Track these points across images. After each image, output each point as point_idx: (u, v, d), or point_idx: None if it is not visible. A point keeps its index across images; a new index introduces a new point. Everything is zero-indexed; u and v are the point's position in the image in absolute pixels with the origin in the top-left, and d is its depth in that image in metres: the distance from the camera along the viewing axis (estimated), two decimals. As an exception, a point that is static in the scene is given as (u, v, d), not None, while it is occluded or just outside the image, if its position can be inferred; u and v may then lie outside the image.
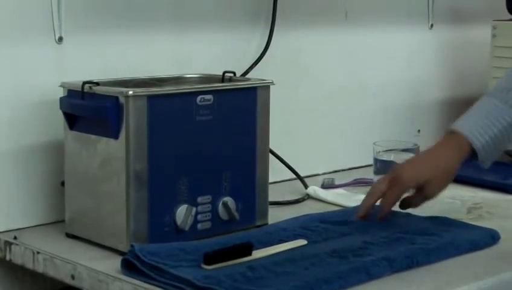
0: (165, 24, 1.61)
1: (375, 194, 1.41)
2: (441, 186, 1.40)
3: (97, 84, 1.32)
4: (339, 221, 1.44)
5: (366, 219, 1.42)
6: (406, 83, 2.08)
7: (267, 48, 1.72)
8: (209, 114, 1.35)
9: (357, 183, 1.78)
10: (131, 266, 1.20)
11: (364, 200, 1.43)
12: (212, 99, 1.35)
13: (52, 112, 1.41)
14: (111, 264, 1.25)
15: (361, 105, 1.98)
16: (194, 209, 1.34)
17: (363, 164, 1.91)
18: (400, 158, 1.66)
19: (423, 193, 1.40)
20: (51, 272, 1.30)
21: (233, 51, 1.70)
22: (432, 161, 1.40)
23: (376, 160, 1.68)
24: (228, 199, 1.39)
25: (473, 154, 1.37)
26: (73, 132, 1.36)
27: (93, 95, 1.30)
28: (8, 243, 1.37)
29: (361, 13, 1.95)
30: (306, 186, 1.71)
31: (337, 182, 1.77)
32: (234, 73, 1.47)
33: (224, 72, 1.47)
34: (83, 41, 1.49)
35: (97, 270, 1.23)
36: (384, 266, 1.21)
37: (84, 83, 1.31)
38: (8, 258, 1.37)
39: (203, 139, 1.35)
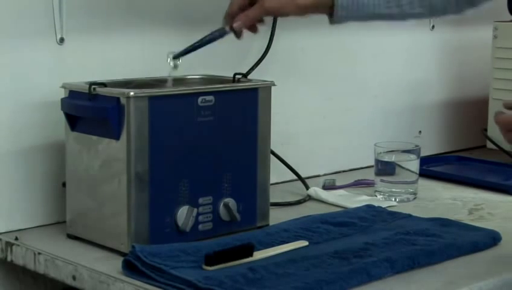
0: (166, 25, 1.61)
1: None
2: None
3: (104, 84, 1.31)
4: (340, 222, 1.44)
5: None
6: (407, 84, 2.08)
7: (268, 49, 1.71)
8: (210, 115, 1.35)
9: (358, 184, 1.78)
10: (132, 267, 1.20)
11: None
12: (213, 100, 1.35)
13: (53, 113, 1.41)
14: (112, 265, 1.25)
15: (362, 106, 1.98)
16: (195, 210, 1.34)
17: (364, 165, 1.91)
18: (401, 159, 1.67)
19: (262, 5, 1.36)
20: (52, 273, 1.30)
21: (234, 52, 1.70)
22: None
23: (377, 161, 1.68)
24: (229, 200, 1.39)
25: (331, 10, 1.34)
26: (75, 133, 1.36)
27: (95, 96, 1.30)
28: (9, 244, 1.37)
29: (363, 14, 1.95)
30: (307, 187, 1.71)
31: (338, 183, 1.77)
32: (244, 74, 1.46)
33: (235, 74, 1.46)
34: (84, 42, 1.49)
35: (98, 271, 1.23)
36: (386, 267, 1.21)
37: (91, 84, 1.31)
38: (9, 259, 1.37)
39: (204, 140, 1.35)
